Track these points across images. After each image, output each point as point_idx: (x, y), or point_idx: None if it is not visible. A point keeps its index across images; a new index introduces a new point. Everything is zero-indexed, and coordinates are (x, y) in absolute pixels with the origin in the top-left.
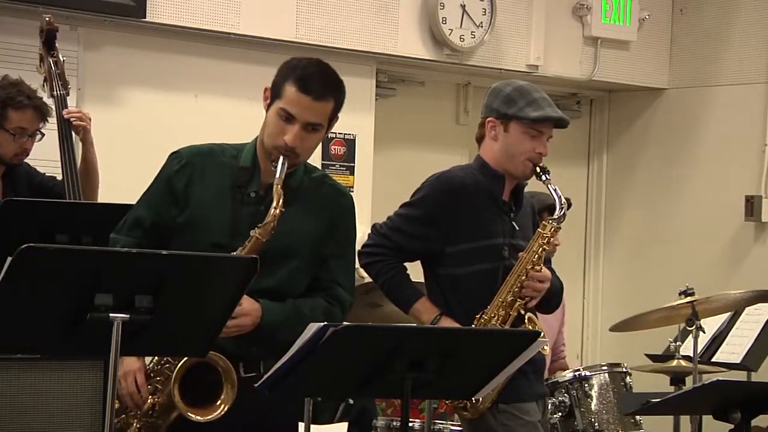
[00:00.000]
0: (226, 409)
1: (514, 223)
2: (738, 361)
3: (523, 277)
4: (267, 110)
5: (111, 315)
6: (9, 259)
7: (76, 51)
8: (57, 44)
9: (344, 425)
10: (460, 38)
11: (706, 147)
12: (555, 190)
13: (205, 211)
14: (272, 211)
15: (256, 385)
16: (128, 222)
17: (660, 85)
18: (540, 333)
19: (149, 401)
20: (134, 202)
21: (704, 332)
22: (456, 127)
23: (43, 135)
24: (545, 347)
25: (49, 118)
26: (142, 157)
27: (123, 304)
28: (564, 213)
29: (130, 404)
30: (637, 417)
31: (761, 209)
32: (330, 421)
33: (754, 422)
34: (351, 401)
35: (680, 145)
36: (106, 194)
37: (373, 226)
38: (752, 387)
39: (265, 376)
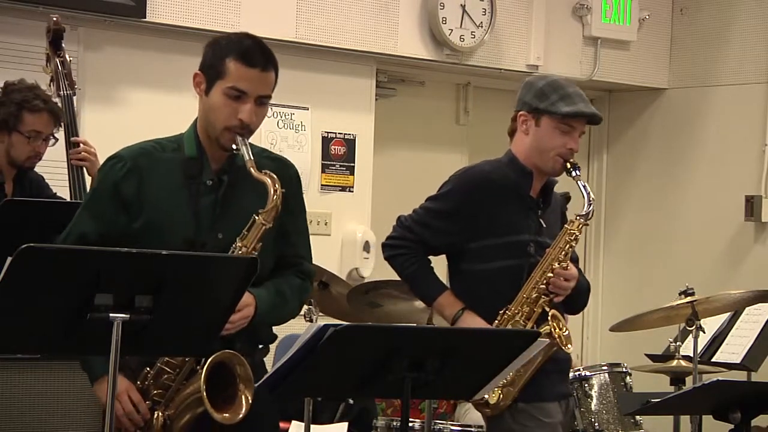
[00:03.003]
0: (248, 407)
1: (541, 220)
2: (738, 361)
3: (549, 274)
4: (206, 95)
5: (111, 315)
6: (9, 259)
7: (76, 51)
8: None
9: (344, 425)
10: (460, 38)
11: (706, 147)
12: (584, 186)
13: (164, 211)
14: (272, 195)
15: (256, 385)
16: (71, 238)
17: (660, 85)
18: (540, 333)
19: (159, 417)
20: None
21: (704, 332)
22: (456, 127)
23: (56, 140)
24: (569, 346)
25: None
26: None
27: (123, 304)
28: (592, 210)
29: (127, 425)
30: (637, 417)
31: (761, 209)
32: (330, 421)
33: (754, 422)
34: (351, 401)
35: (680, 145)
36: None
37: (398, 219)
38: (752, 387)
39: (266, 376)
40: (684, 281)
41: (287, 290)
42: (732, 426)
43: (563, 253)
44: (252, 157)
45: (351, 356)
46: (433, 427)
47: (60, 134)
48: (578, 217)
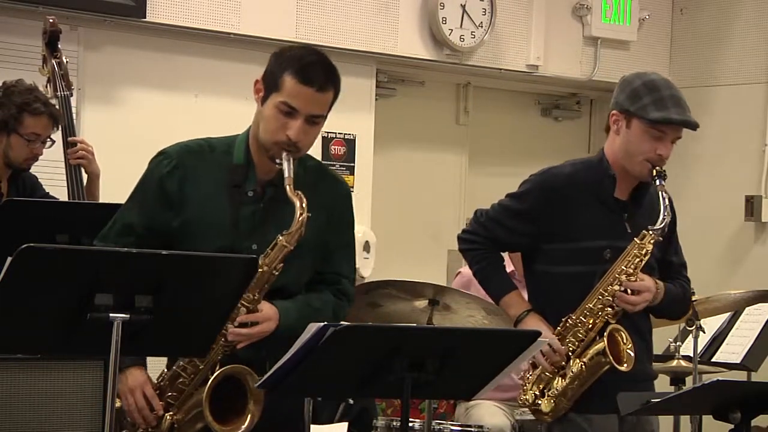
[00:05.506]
0: (253, 423)
1: (627, 223)
2: (738, 361)
3: (616, 287)
4: (261, 104)
5: (111, 315)
6: (9, 259)
7: (76, 51)
8: (59, 45)
9: (344, 425)
10: (460, 38)
11: (706, 147)
12: (665, 198)
13: (202, 213)
14: (298, 217)
15: (255, 385)
16: (116, 227)
17: None
18: (540, 333)
19: (167, 419)
20: None
21: (704, 332)
22: (456, 127)
23: (53, 142)
24: (625, 365)
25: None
26: (142, 157)
27: (123, 304)
28: (666, 225)
29: (138, 420)
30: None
31: (761, 209)
32: (330, 421)
33: (754, 422)
34: (351, 401)
35: (680, 145)
36: (106, 194)
37: (475, 213)
38: (752, 387)
39: (265, 376)
40: None
41: (317, 303)
42: (732, 426)
43: (632, 266)
44: (291, 175)
45: (351, 356)
46: (433, 427)
47: (57, 135)
48: (651, 232)
